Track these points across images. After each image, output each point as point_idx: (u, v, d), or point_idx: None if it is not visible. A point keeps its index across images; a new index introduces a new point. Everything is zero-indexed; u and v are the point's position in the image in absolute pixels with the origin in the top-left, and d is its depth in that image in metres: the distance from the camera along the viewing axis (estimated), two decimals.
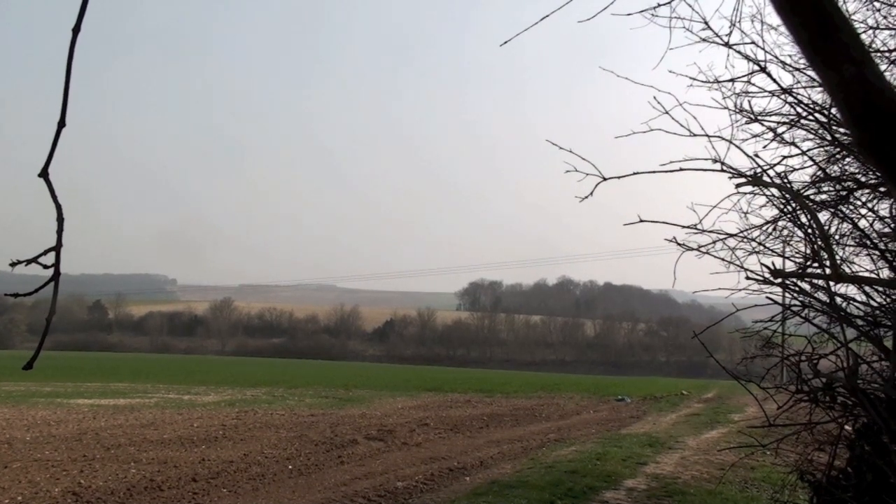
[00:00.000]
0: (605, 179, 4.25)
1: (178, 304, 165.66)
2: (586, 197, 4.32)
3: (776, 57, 5.39)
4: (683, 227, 4.63)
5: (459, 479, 11.90)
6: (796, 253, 5.76)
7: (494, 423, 21.22)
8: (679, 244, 4.72)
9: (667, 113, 4.57)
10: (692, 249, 4.91)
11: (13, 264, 1.98)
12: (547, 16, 4.26)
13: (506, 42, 4.63)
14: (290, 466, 12.73)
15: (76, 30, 2.09)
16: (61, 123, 2.06)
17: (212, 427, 17.73)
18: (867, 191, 5.45)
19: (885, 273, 5.19)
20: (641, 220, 4.41)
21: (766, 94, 5.52)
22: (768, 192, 5.26)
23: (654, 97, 4.59)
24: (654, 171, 4.38)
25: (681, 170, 4.35)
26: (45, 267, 1.96)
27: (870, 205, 5.53)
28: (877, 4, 5.22)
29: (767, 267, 4.27)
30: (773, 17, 5.27)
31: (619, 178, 4.33)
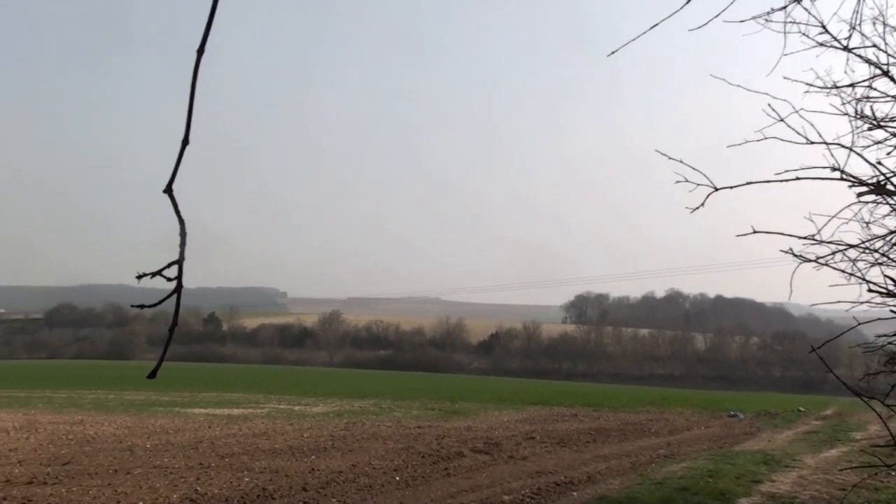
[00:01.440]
0: (716, 189, 4.14)
1: (288, 317, 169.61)
2: (697, 208, 4.22)
3: None
4: (801, 237, 4.48)
5: (566, 494, 11.75)
6: None
7: (602, 437, 20.89)
8: (795, 255, 4.55)
9: (782, 120, 4.42)
10: (810, 261, 4.73)
11: (139, 277, 2.07)
12: (656, 24, 4.19)
13: (612, 52, 4.59)
14: (397, 478, 12.83)
15: (200, 51, 2.17)
16: (185, 141, 2.15)
17: (321, 437, 18.06)
18: None
19: None
20: (755, 231, 4.27)
21: (888, 98, 5.28)
22: (892, 201, 5.02)
23: (769, 104, 4.45)
24: (768, 181, 4.25)
25: (797, 179, 4.20)
26: (169, 279, 2.04)
27: None
28: None
29: (892, 279, 4.08)
30: None
31: (731, 188, 4.22)
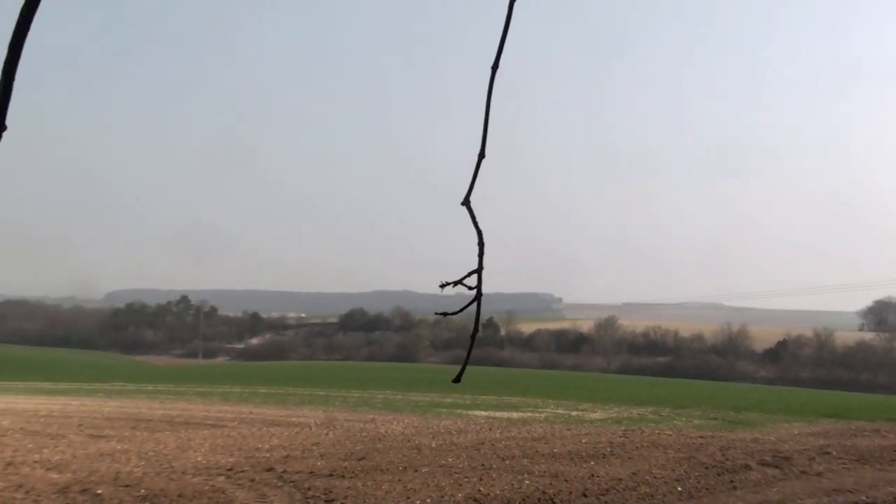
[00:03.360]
0: None
1: (564, 322, 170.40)
2: None
3: None
4: None
5: None
6: None
7: None
8: None
9: None
10: None
11: (443, 286, 2.14)
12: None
13: None
14: (679, 488, 12.40)
15: (494, 67, 2.21)
16: (481, 155, 2.19)
17: (599, 444, 17.88)
18: None
19: None
20: None
21: None
22: None
23: None
24: None
25: None
26: (470, 288, 2.10)
27: None
28: None
29: None
30: None
31: None
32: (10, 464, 14.11)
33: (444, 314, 2.40)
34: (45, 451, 15.83)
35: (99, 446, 16.53)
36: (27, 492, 11.35)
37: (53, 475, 12.82)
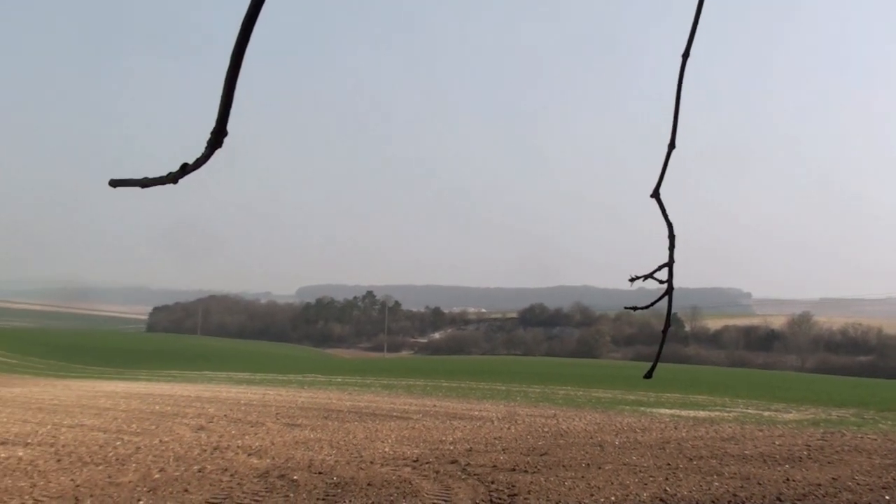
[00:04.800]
0: None
1: (753, 318, 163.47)
2: None
3: None
4: None
5: None
6: None
7: None
8: None
9: None
10: None
11: (632, 280, 2.10)
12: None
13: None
14: (886, 497, 11.57)
15: (685, 55, 2.15)
16: (671, 146, 2.14)
17: (795, 446, 16.99)
18: None
19: None
20: None
21: None
22: None
23: None
24: None
25: None
26: (661, 282, 2.04)
27: None
28: None
29: None
30: None
31: None
32: (216, 448, 15.12)
33: (634, 308, 2.34)
34: (247, 437, 16.85)
35: (294, 434, 17.41)
36: (232, 475, 12.11)
37: (254, 460, 13.62)
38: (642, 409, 25.73)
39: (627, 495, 10.82)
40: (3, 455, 14.38)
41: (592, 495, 10.79)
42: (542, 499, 10.57)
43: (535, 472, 12.39)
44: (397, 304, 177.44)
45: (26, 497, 10.59)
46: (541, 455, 14.38)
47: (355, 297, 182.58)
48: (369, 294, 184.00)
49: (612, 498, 10.66)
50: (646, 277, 2.13)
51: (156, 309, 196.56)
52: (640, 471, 12.79)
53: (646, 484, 11.63)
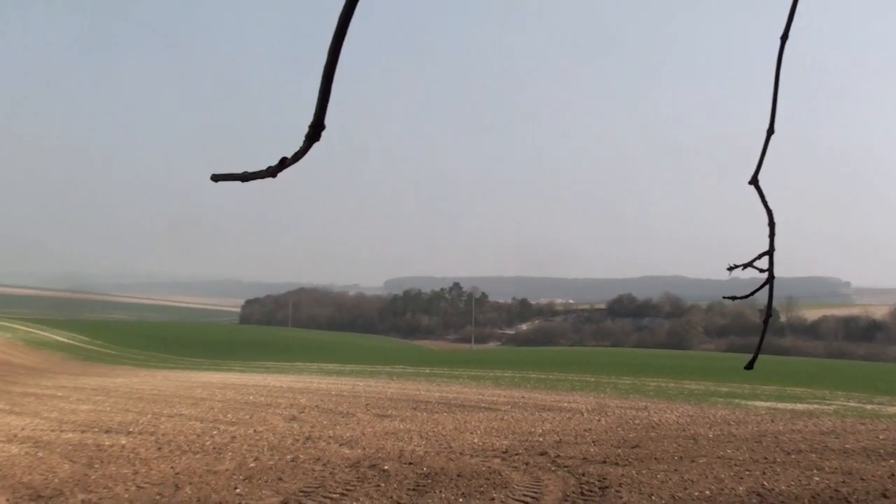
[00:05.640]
0: None
1: (853, 308, 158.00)
2: None
3: None
4: None
5: None
6: None
7: None
8: None
9: None
10: None
11: (730, 268, 2.03)
12: None
13: None
14: None
15: (784, 37, 2.06)
16: (770, 130, 2.06)
17: None
18: None
19: None
20: None
21: None
22: None
23: None
24: None
25: None
26: (761, 271, 1.97)
27: None
28: None
29: None
30: None
31: None
32: (308, 438, 15.40)
33: (733, 298, 2.26)
34: (338, 427, 17.11)
35: (384, 425, 17.60)
36: (324, 465, 12.32)
37: (346, 450, 13.81)
38: (736, 401, 25.11)
39: (723, 489, 10.57)
40: (107, 443, 14.95)
41: (686, 489, 10.58)
42: (634, 492, 10.41)
43: (626, 465, 12.22)
44: (484, 295, 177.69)
45: (129, 483, 10.98)
46: (632, 447, 14.18)
47: (442, 289, 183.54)
48: (456, 286, 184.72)
49: (707, 492, 10.43)
50: (745, 266, 2.05)
51: (248, 302, 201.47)
52: (736, 464, 12.48)
53: (741, 478, 11.34)
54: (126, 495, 10.26)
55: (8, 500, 10.10)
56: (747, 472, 11.75)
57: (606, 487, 10.62)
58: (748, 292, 2.31)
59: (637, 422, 18.55)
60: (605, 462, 12.51)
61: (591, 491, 10.44)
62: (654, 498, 10.11)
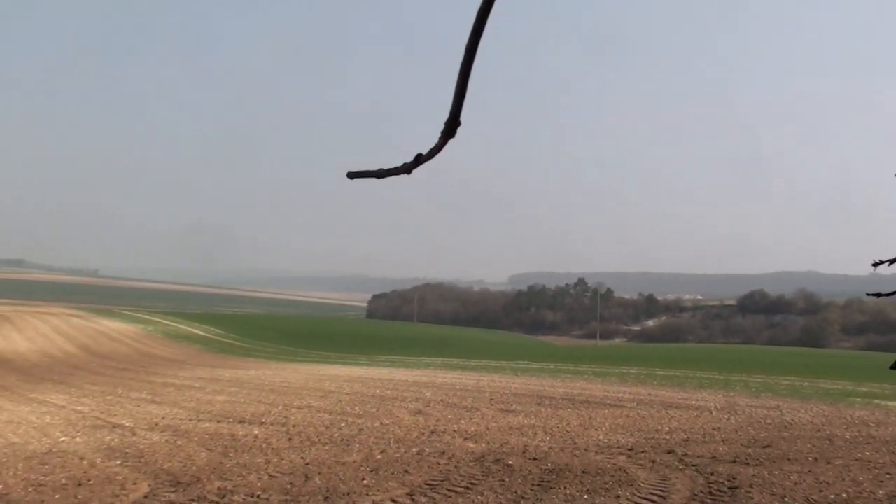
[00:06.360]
0: None
1: None
2: None
3: None
4: None
5: None
6: None
7: None
8: None
9: None
10: None
11: (875, 264, 2.02)
12: None
13: None
14: None
15: None
16: None
17: None
18: None
19: None
20: None
21: None
22: None
23: None
24: None
25: None
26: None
27: None
28: None
29: None
30: None
31: None
32: (433, 432, 15.66)
33: (878, 295, 2.23)
34: (463, 422, 17.33)
35: (508, 420, 17.70)
36: (449, 458, 12.52)
37: (470, 444, 13.99)
38: (876, 401, 23.96)
39: (861, 492, 10.16)
40: (241, 433, 15.63)
41: (821, 491, 10.23)
42: (766, 492, 10.15)
43: (757, 465, 11.91)
44: (609, 291, 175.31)
45: (262, 472, 11.47)
46: (763, 447, 13.78)
47: (566, 285, 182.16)
48: (581, 281, 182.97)
49: (844, 495, 10.05)
50: (892, 262, 2.04)
51: (374, 297, 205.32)
52: (875, 467, 11.96)
53: (881, 481, 10.87)
54: (259, 484, 10.72)
55: (150, 485, 10.73)
56: (888, 476, 11.25)
57: (736, 487, 10.39)
58: (893, 290, 2.28)
59: (768, 421, 17.99)
60: (734, 462, 12.23)
61: (720, 491, 10.24)
62: (786, 499, 9.83)
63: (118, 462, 12.54)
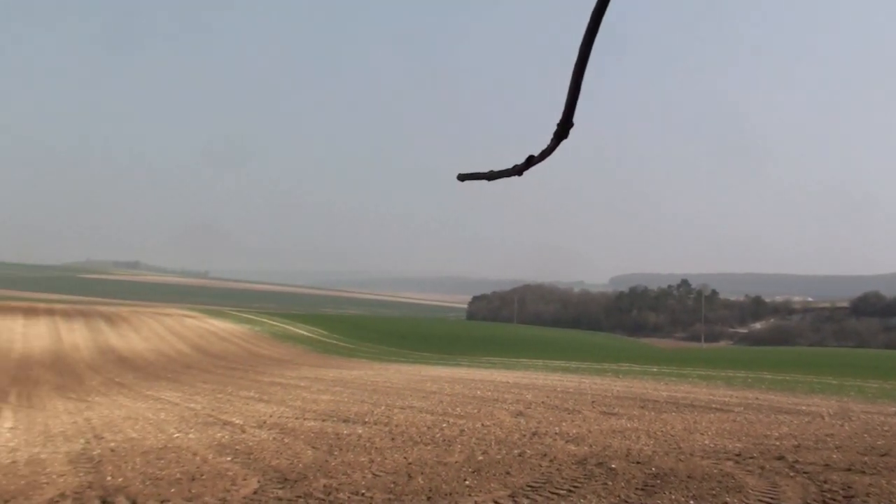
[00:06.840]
0: None
1: None
2: None
3: None
4: None
5: None
6: None
7: None
8: None
9: None
10: None
11: None
12: None
13: None
14: None
15: None
16: None
17: None
18: None
19: None
20: None
21: None
22: None
23: None
24: None
25: None
26: None
27: None
28: None
29: None
30: None
31: None
32: (535, 434, 15.60)
33: None
34: (564, 424, 17.20)
35: (611, 423, 17.47)
36: (551, 461, 12.44)
37: (572, 447, 13.87)
38: None
39: None
40: (345, 432, 15.92)
41: None
42: (884, 502, 9.71)
43: (874, 474, 11.41)
44: (714, 292, 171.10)
45: (366, 471, 11.64)
46: (881, 455, 13.19)
47: (669, 286, 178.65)
48: (684, 283, 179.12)
49: None
50: None
51: (475, 298, 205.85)
52: None
53: None
54: (363, 482, 10.89)
55: (259, 481, 11.03)
56: None
57: (852, 497, 9.98)
58: None
59: (886, 428, 17.21)
60: (849, 470, 11.74)
61: (833, 499, 9.86)
62: None
63: (229, 458, 12.96)
